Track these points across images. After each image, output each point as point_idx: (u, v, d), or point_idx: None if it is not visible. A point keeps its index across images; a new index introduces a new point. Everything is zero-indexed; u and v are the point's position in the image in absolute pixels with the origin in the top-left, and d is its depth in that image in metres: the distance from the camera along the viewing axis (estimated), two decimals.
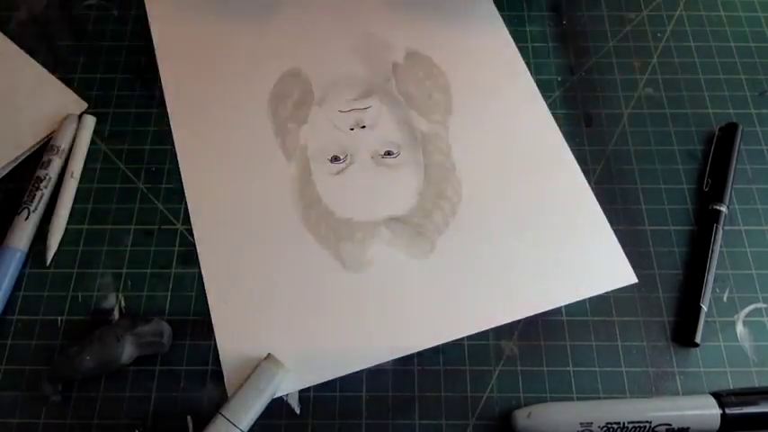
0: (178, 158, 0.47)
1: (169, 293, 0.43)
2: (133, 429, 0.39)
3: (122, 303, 0.42)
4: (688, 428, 0.37)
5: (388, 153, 0.47)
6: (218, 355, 0.41)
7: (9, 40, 0.51)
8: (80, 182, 0.46)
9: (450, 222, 0.44)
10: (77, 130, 0.47)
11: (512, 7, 0.53)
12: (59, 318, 0.42)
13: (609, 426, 0.37)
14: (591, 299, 0.42)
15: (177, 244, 0.44)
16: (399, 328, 0.41)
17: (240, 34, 0.52)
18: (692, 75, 0.50)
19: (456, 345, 0.41)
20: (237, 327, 0.41)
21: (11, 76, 0.50)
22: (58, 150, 0.46)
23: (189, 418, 0.39)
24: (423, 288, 0.42)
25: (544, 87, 0.49)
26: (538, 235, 0.44)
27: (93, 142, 0.48)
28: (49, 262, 0.44)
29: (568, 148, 0.47)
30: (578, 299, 0.42)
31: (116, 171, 0.47)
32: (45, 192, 0.45)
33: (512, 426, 0.38)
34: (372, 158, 0.47)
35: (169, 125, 0.48)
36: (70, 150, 0.47)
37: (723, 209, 0.44)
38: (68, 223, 0.45)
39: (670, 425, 0.37)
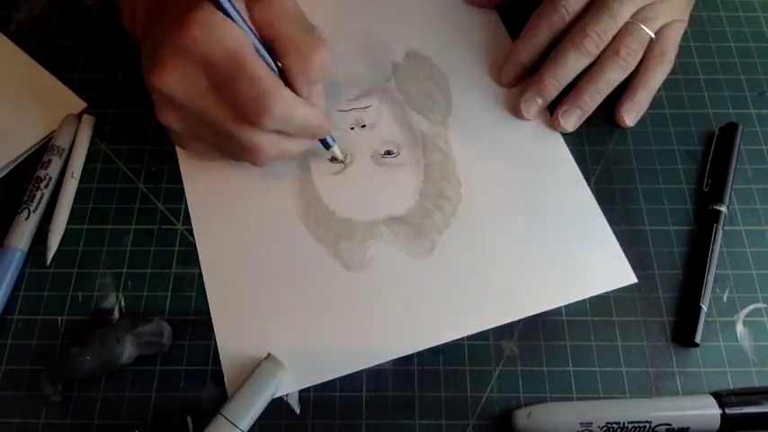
0: (178, 158, 0.47)
1: (169, 293, 0.43)
2: (133, 429, 0.39)
3: (122, 303, 0.42)
4: (688, 428, 0.37)
5: (388, 153, 0.47)
6: (218, 355, 0.41)
7: (9, 40, 0.51)
8: (80, 182, 0.46)
9: (451, 222, 0.44)
10: (77, 130, 0.47)
11: (511, 8, 0.53)
12: (59, 318, 0.42)
13: (609, 426, 0.37)
14: (591, 299, 0.42)
15: (177, 244, 0.44)
16: (399, 328, 0.41)
17: None
18: (692, 75, 0.50)
19: (456, 345, 0.41)
20: (237, 327, 0.41)
21: (11, 76, 0.50)
22: (58, 150, 0.46)
23: (189, 418, 0.39)
24: (423, 288, 0.42)
25: None
26: (537, 235, 0.44)
27: (93, 142, 0.48)
28: (49, 262, 0.44)
29: (567, 149, 0.47)
30: (578, 299, 0.42)
31: (116, 171, 0.47)
32: (45, 192, 0.45)
33: (512, 426, 0.38)
34: (372, 158, 0.47)
35: None
36: (70, 150, 0.47)
37: (723, 209, 0.44)
38: (68, 223, 0.45)
39: (670, 425, 0.37)
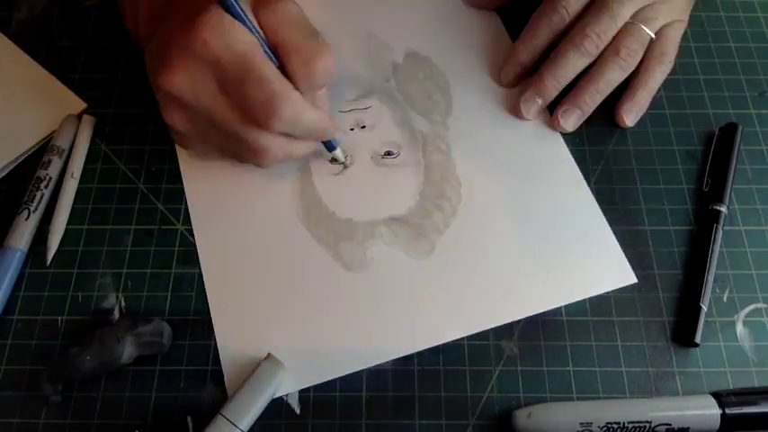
0: (178, 158, 0.47)
1: (169, 293, 0.43)
2: (133, 429, 0.39)
3: (122, 303, 0.42)
4: (688, 428, 0.37)
5: (388, 153, 0.47)
6: (218, 355, 0.41)
7: (9, 40, 0.51)
8: (80, 182, 0.46)
9: (450, 223, 0.44)
10: (77, 130, 0.47)
11: (511, 9, 0.53)
12: (59, 318, 0.42)
13: (609, 426, 0.37)
14: (591, 299, 0.42)
15: (177, 244, 0.44)
16: (399, 328, 0.41)
17: None
18: (692, 75, 0.50)
19: (456, 345, 0.41)
20: (237, 327, 0.41)
21: (11, 76, 0.50)
22: (58, 150, 0.46)
23: (189, 418, 0.39)
24: (423, 288, 0.42)
25: None
26: (537, 235, 0.44)
27: (93, 142, 0.48)
28: (49, 262, 0.44)
29: (567, 149, 0.47)
30: (578, 299, 0.42)
31: (116, 171, 0.47)
32: (45, 192, 0.45)
33: (512, 426, 0.38)
34: (372, 159, 0.47)
35: None
36: (70, 150, 0.47)
37: (723, 209, 0.44)
38: (68, 223, 0.45)
39: (670, 425, 0.37)
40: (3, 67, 0.50)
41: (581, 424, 0.37)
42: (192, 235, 0.44)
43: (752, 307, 0.42)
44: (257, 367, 0.39)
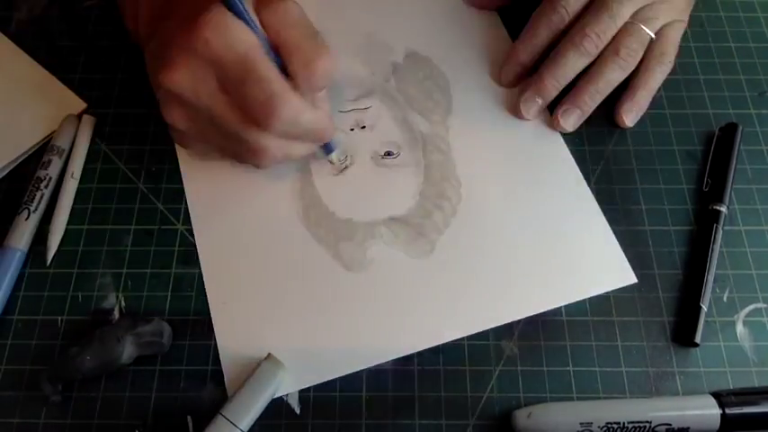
0: (178, 158, 0.47)
1: (169, 293, 0.43)
2: (133, 429, 0.39)
3: (122, 303, 0.42)
4: (688, 428, 0.37)
5: (388, 153, 0.47)
6: (218, 354, 0.41)
7: (9, 40, 0.51)
8: (80, 182, 0.46)
9: (451, 223, 0.44)
10: (77, 130, 0.47)
11: (511, 8, 0.53)
12: (59, 318, 0.42)
13: (609, 426, 0.37)
14: (591, 299, 0.42)
15: (177, 244, 0.44)
16: (399, 328, 0.41)
17: None
18: (692, 75, 0.50)
19: (456, 345, 0.41)
20: (237, 327, 0.41)
21: (11, 76, 0.50)
22: (58, 150, 0.46)
23: (189, 418, 0.39)
24: (423, 288, 0.42)
25: None
26: (537, 235, 0.44)
27: (93, 142, 0.48)
28: (49, 262, 0.44)
29: (567, 149, 0.47)
30: (578, 299, 0.42)
31: (116, 171, 0.47)
32: (45, 192, 0.45)
33: (512, 426, 0.38)
34: (372, 159, 0.47)
35: None
36: (70, 150, 0.47)
37: (723, 209, 0.44)
38: (68, 223, 0.45)
39: (670, 425, 0.37)
40: (3, 67, 0.50)
41: (581, 424, 0.37)
42: (192, 235, 0.44)
43: (752, 307, 0.42)
44: (257, 367, 0.39)
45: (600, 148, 0.47)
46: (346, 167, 0.46)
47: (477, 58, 0.51)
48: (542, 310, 0.42)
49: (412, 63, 0.51)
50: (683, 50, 0.50)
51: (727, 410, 0.37)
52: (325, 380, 0.40)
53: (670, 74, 0.48)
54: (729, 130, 0.47)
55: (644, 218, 0.45)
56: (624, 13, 0.45)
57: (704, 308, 0.41)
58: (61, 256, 0.44)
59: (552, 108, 0.48)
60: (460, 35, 0.52)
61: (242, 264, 0.43)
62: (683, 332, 0.41)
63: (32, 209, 0.44)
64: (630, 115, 0.47)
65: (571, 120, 0.47)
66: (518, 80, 0.49)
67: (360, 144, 0.47)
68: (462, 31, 0.52)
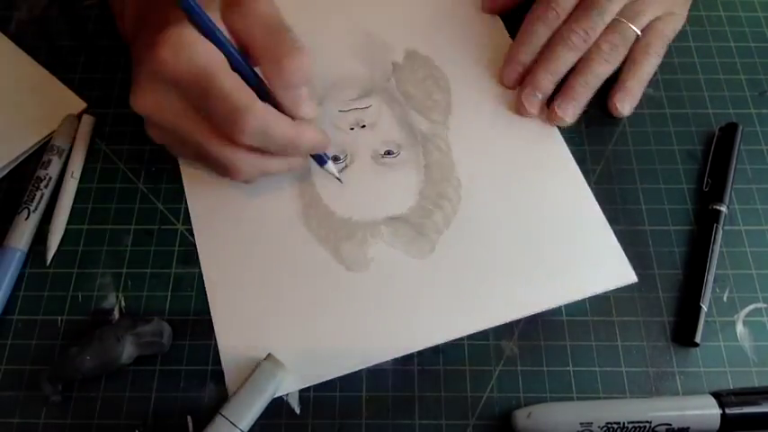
0: (178, 159, 0.47)
1: (169, 293, 0.43)
2: (133, 429, 0.39)
3: (122, 303, 0.42)
4: (688, 428, 0.37)
5: (388, 153, 0.47)
6: (218, 354, 0.41)
7: (9, 40, 0.51)
8: (80, 182, 0.46)
9: (451, 222, 0.44)
10: (77, 130, 0.47)
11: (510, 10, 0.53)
12: (59, 318, 0.42)
13: (609, 426, 0.37)
14: (591, 299, 0.42)
15: (177, 244, 0.44)
16: (399, 327, 0.41)
17: None
18: (692, 75, 0.50)
19: (456, 345, 0.41)
20: (237, 326, 0.41)
21: (11, 76, 0.50)
22: (57, 150, 0.46)
23: (189, 418, 0.39)
24: (423, 287, 0.42)
25: None
26: (538, 234, 0.44)
27: (93, 142, 0.48)
28: (49, 262, 0.44)
29: (567, 148, 0.47)
30: (578, 298, 0.42)
31: (116, 171, 0.47)
32: (45, 192, 0.45)
33: (512, 426, 0.38)
34: (372, 158, 0.47)
35: None
36: (70, 150, 0.47)
37: (723, 209, 0.44)
38: (68, 223, 0.45)
39: (670, 425, 0.37)
40: (3, 67, 0.50)
41: (581, 424, 0.37)
42: (192, 235, 0.44)
43: (752, 307, 0.42)
44: (257, 367, 0.39)
45: (600, 148, 0.47)
46: (346, 166, 0.46)
47: (477, 57, 0.51)
48: (542, 309, 0.42)
49: (412, 62, 0.51)
50: (683, 50, 0.50)
51: (727, 410, 0.37)
52: (326, 379, 0.40)
53: (670, 74, 0.48)
54: (729, 130, 0.47)
55: (644, 218, 0.45)
56: (613, 9, 0.47)
57: (704, 308, 0.41)
58: (61, 256, 0.44)
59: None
60: (460, 34, 0.52)
61: (242, 264, 0.43)
62: (683, 332, 0.41)
63: (32, 209, 0.44)
64: (624, 104, 0.48)
65: (569, 110, 0.47)
66: (520, 80, 0.49)
67: (360, 143, 0.47)
68: (462, 31, 0.52)
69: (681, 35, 0.51)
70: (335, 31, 0.51)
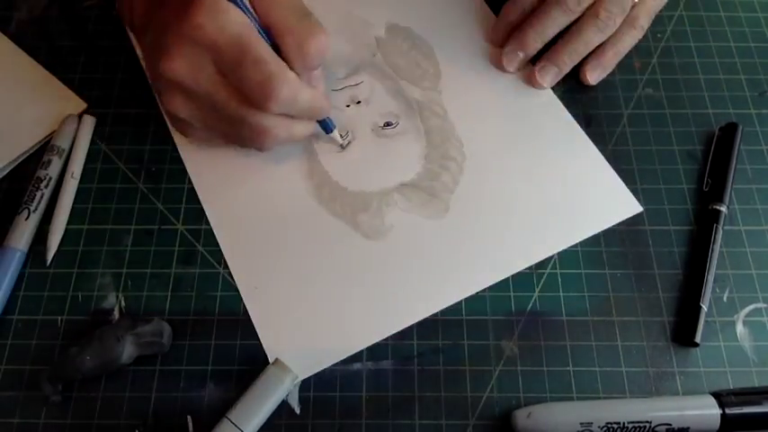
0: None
1: (169, 293, 0.43)
2: (133, 429, 0.39)
3: (122, 303, 0.42)
4: (688, 428, 0.37)
5: (388, 124, 0.48)
6: (217, 354, 0.41)
7: (9, 40, 0.51)
8: (80, 182, 0.46)
9: (460, 180, 0.46)
10: (77, 130, 0.47)
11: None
12: (59, 318, 0.42)
13: (609, 426, 0.37)
14: (591, 298, 0.42)
15: (177, 244, 0.44)
16: (426, 288, 0.42)
17: None
18: (692, 75, 0.50)
19: (456, 345, 0.41)
20: (272, 310, 0.42)
21: (11, 76, 0.50)
22: (58, 150, 0.46)
23: (189, 417, 0.39)
24: (443, 246, 0.44)
25: None
26: (542, 180, 0.46)
27: (93, 142, 0.48)
28: (49, 262, 0.44)
29: (554, 94, 0.49)
30: (591, 234, 0.44)
31: (116, 171, 0.47)
32: (45, 192, 0.45)
33: (512, 426, 0.38)
34: (373, 131, 0.48)
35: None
36: (70, 150, 0.47)
37: (723, 209, 0.44)
38: (68, 223, 0.45)
39: (670, 425, 0.37)
40: (3, 67, 0.50)
41: (581, 424, 0.37)
42: (192, 235, 0.44)
43: (752, 307, 0.42)
44: (265, 372, 0.39)
45: (600, 148, 0.47)
46: (349, 143, 0.47)
47: (457, 22, 0.52)
48: (560, 250, 0.43)
49: (394, 35, 0.52)
50: (684, 50, 0.50)
51: (727, 410, 0.37)
52: (358, 350, 0.41)
53: (670, 74, 0.48)
54: (729, 130, 0.47)
55: (644, 218, 0.45)
56: None
57: (704, 308, 0.41)
58: (61, 256, 0.44)
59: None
60: (436, 2, 0.52)
61: (265, 250, 0.44)
62: (683, 332, 0.41)
63: (32, 209, 0.44)
64: (594, 73, 0.48)
65: (548, 77, 0.48)
66: (507, 39, 0.49)
67: (358, 118, 0.48)
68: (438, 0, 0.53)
69: (681, 35, 0.51)
70: (316, 13, 0.51)
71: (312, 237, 0.44)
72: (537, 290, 0.43)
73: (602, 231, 0.44)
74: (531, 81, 0.49)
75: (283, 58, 0.40)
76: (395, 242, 0.44)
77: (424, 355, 0.41)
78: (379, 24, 0.52)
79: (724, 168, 0.45)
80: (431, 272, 0.43)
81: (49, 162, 0.45)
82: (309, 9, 0.41)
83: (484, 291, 0.42)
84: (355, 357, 0.41)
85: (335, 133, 0.46)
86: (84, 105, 0.49)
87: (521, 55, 0.48)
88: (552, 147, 0.47)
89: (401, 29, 0.52)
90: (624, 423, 0.37)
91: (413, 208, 0.45)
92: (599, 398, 0.40)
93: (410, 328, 0.41)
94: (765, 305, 0.42)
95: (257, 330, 0.41)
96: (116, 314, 0.42)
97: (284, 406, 0.39)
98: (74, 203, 0.45)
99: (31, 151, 0.47)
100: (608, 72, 0.49)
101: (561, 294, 0.42)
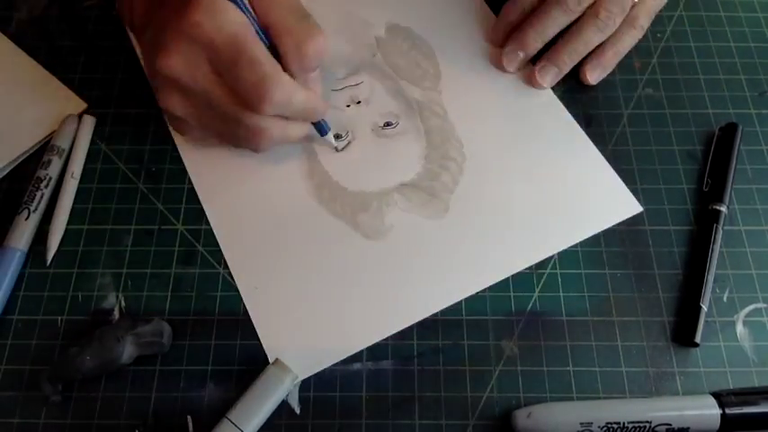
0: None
1: (169, 293, 0.43)
2: (133, 429, 0.39)
3: (122, 303, 0.42)
4: (688, 428, 0.37)
5: (388, 124, 0.48)
6: (217, 354, 0.41)
7: (9, 40, 0.51)
8: (80, 182, 0.46)
9: (459, 180, 0.46)
10: (77, 130, 0.47)
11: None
12: (59, 318, 0.42)
13: (609, 426, 0.37)
14: (591, 298, 0.42)
15: (177, 244, 0.44)
16: (426, 288, 0.42)
17: None
18: (692, 75, 0.50)
19: (456, 345, 0.41)
20: (272, 310, 0.42)
21: (11, 76, 0.50)
22: (58, 150, 0.46)
23: (189, 417, 0.39)
24: (444, 246, 0.43)
25: None
26: (542, 179, 0.46)
27: (93, 142, 0.48)
28: (49, 262, 0.44)
29: (554, 94, 0.49)
30: (590, 234, 0.44)
31: (116, 171, 0.47)
32: (45, 192, 0.45)
33: (512, 426, 0.38)
34: (373, 131, 0.48)
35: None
36: (70, 150, 0.47)
37: (723, 209, 0.44)
38: (68, 223, 0.45)
39: (670, 425, 0.37)
40: (3, 67, 0.50)
41: (581, 424, 0.37)
42: (192, 235, 0.44)
43: (752, 307, 0.42)
44: (265, 372, 0.39)
45: (600, 148, 0.47)
46: (349, 143, 0.47)
47: (457, 22, 0.52)
48: (560, 249, 0.43)
49: (394, 35, 0.52)
50: (684, 50, 0.50)
51: (727, 410, 0.37)
52: (357, 350, 0.41)
53: (670, 74, 0.48)
54: (729, 130, 0.47)
55: (644, 218, 0.45)
56: None
57: (704, 308, 0.41)
58: (61, 256, 0.44)
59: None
60: (436, 2, 0.52)
61: (265, 250, 0.44)
62: (683, 332, 0.41)
63: (32, 209, 0.44)
64: (594, 73, 0.48)
65: (548, 77, 0.48)
66: (507, 39, 0.49)
67: (358, 118, 0.48)
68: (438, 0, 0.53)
69: (681, 35, 0.51)
70: (316, 13, 0.51)
71: (312, 237, 0.44)
72: (537, 290, 0.43)
73: (602, 231, 0.44)
74: (530, 81, 0.49)
75: (281, 59, 0.40)
76: (395, 242, 0.44)
77: (424, 355, 0.41)
78: (379, 24, 0.52)
79: (724, 168, 0.45)
80: (431, 272, 0.43)
81: (49, 162, 0.45)
82: (309, 10, 0.41)
83: (484, 291, 0.42)
84: (355, 357, 0.41)
85: (330, 136, 0.46)
86: (84, 105, 0.49)
87: (521, 55, 0.48)
88: (552, 147, 0.47)
89: (401, 29, 0.52)
90: (624, 423, 0.37)
91: (413, 208, 0.45)
92: (599, 398, 0.40)
93: (410, 328, 0.41)
94: (765, 305, 0.42)
95: (257, 330, 0.41)
96: (116, 314, 0.42)
97: (284, 406, 0.39)
98: (74, 203, 0.45)
99: (31, 151, 0.47)
100: (608, 72, 0.49)
101: (561, 294, 0.42)
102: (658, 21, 0.51)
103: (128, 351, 0.39)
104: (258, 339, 0.41)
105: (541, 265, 0.43)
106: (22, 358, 0.41)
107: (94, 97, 0.49)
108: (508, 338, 0.41)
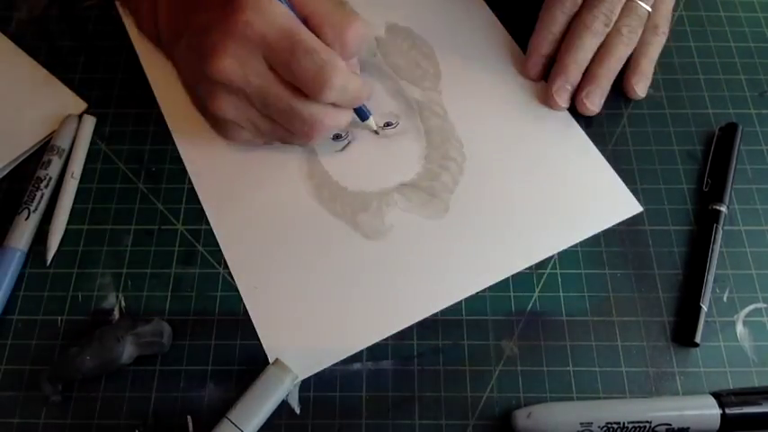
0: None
1: (169, 293, 0.43)
2: (133, 429, 0.39)
3: (122, 303, 0.42)
4: (688, 428, 0.37)
5: (388, 124, 0.48)
6: (217, 354, 0.41)
7: (9, 40, 0.51)
8: (80, 182, 0.46)
9: (459, 180, 0.46)
10: (77, 130, 0.47)
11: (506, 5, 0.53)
12: (59, 318, 0.42)
13: (609, 426, 0.37)
14: (591, 298, 0.42)
15: (177, 244, 0.44)
16: (426, 288, 0.42)
17: None
18: (692, 75, 0.50)
19: (456, 345, 0.41)
20: (272, 309, 0.42)
21: (11, 76, 0.50)
22: (58, 150, 0.46)
23: (189, 417, 0.39)
24: (443, 246, 0.43)
25: None
26: (542, 180, 0.46)
27: (93, 142, 0.48)
28: (49, 262, 0.44)
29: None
30: (590, 234, 0.44)
31: (116, 171, 0.47)
32: (45, 192, 0.45)
33: (512, 426, 0.38)
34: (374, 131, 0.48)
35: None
36: (70, 150, 0.47)
37: (723, 209, 0.44)
38: (68, 223, 0.45)
39: (670, 425, 0.37)
40: (3, 67, 0.50)
41: (581, 424, 0.37)
42: (192, 235, 0.44)
43: (752, 307, 0.42)
44: (265, 372, 0.39)
45: (600, 148, 0.47)
46: (349, 143, 0.47)
47: (457, 22, 0.52)
48: (560, 250, 0.43)
49: (394, 35, 0.52)
50: (683, 50, 0.50)
51: (727, 410, 0.37)
52: (358, 350, 0.41)
53: (670, 74, 0.48)
54: (729, 130, 0.47)
55: (644, 218, 0.45)
56: None
57: (704, 308, 0.41)
58: (61, 256, 0.44)
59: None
60: (437, 2, 0.53)
61: (265, 250, 0.44)
62: (683, 332, 0.41)
63: (32, 209, 0.44)
64: (641, 85, 0.48)
65: (596, 100, 0.48)
66: (544, 70, 0.49)
67: (358, 119, 0.48)
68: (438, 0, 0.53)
69: (681, 35, 0.51)
70: None
71: (312, 237, 0.44)
72: (537, 290, 0.43)
73: (602, 231, 0.44)
74: (581, 110, 0.48)
75: None
76: (395, 242, 0.44)
77: (424, 355, 0.41)
78: (379, 24, 0.52)
79: (724, 168, 0.45)
80: (431, 272, 0.43)
81: (49, 162, 0.45)
82: None
83: (484, 291, 0.42)
84: (355, 357, 0.41)
85: (371, 120, 0.46)
86: (84, 105, 0.49)
87: (569, 88, 0.48)
88: (552, 147, 0.47)
89: (401, 29, 0.52)
90: (624, 423, 0.37)
91: (413, 208, 0.45)
92: (599, 398, 0.40)
93: (410, 328, 0.41)
94: (765, 305, 0.42)
95: (257, 330, 0.41)
96: (116, 314, 0.42)
97: (284, 406, 0.39)
98: (74, 203, 0.45)
99: (31, 151, 0.47)
100: (650, 81, 0.49)
101: (561, 294, 0.42)
102: None
103: (128, 351, 0.39)
104: (258, 339, 0.41)
105: (541, 265, 0.43)
106: (22, 358, 0.41)
107: (94, 97, 0.49)
108: (508, 338, 0.41)
